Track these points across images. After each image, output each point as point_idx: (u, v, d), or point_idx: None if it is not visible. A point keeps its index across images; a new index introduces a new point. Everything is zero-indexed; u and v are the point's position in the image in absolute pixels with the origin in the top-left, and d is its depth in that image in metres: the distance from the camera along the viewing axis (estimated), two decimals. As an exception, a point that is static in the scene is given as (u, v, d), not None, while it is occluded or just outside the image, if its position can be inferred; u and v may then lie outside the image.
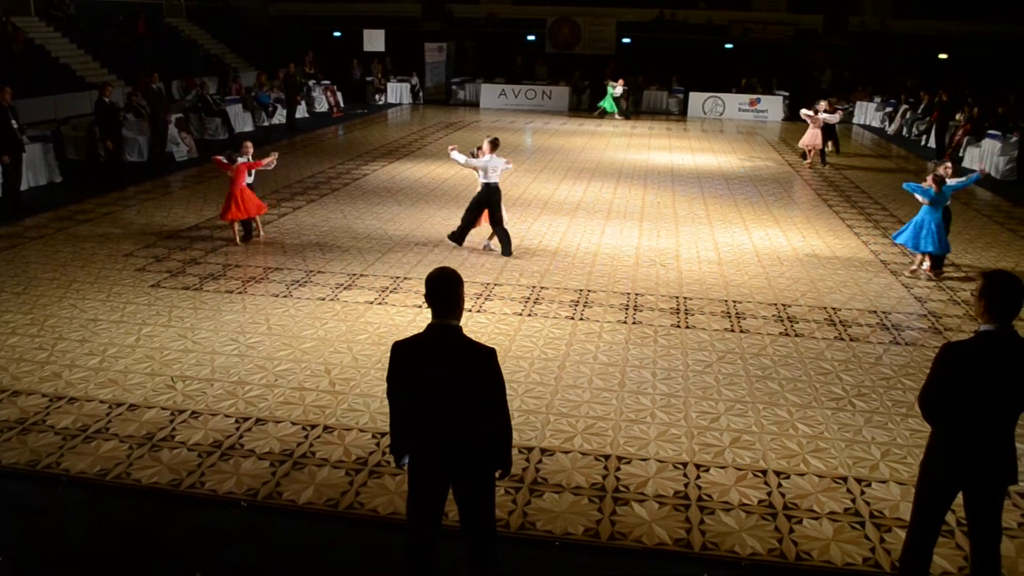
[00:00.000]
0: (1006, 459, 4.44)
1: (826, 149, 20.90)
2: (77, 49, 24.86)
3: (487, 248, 12.26)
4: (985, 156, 20.43)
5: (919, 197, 11.39)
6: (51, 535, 5.51)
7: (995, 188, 18.24)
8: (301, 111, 26.74)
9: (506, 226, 12.09)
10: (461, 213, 12.24)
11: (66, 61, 23.81)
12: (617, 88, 29.65)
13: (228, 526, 5.59)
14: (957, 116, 23.74)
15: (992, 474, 4.46)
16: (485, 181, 11.75)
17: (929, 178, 11.37)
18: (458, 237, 12.30)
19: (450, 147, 12.27)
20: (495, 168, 11.72)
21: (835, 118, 20.85)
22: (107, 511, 5.74)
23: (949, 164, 12.45)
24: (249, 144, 12.76)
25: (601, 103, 30.08)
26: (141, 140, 18.91)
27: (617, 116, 29.77)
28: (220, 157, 12.43)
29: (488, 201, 11.81)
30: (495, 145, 11.78)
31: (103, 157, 16.54)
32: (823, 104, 20.85)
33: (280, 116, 26.13)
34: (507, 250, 12.00)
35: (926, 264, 11.48)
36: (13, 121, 13.73)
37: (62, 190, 15.86)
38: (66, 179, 16.62)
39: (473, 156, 11.89)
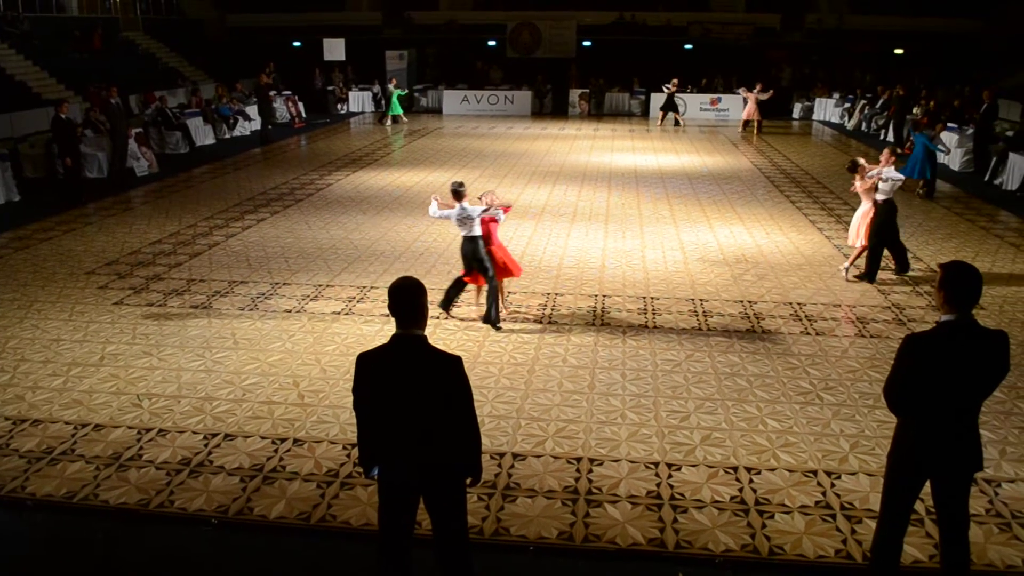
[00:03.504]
0: (971, 447, 4.50)
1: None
2: (33, 66, 24.50)
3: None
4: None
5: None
6: (18, 560, 5.42)
7: (953, 180, 18.52)
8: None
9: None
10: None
11: (22, 78, 23.46)
12: (395, 88, 28.89)
13: (199, 544, 5.52)
14: (914, 110, 24.09)
15: (958, 462, 4.51)
16: (886, 198, 10.88)
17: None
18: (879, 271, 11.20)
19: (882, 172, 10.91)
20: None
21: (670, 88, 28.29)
22: (75, 533, 5.65)
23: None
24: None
25: (391, 111, 28.93)
26: (100, 156, 18.68)
27: (403, 119, 29.13)
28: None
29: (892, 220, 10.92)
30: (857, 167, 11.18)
31: (62, 174, 16.32)
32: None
33: (241, 128, 25.92)
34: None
35: None
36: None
37: (21, 209, 15.61)
38: (25, 198, 16.37)
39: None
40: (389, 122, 28.83)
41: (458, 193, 9.12)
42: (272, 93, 27.72)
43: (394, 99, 28.55)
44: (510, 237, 13.31)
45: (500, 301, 9.56)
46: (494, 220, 9.54)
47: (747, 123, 27.07)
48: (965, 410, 4.48)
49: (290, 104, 29.56)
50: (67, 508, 5.88)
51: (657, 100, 31.92)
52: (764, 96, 26.48)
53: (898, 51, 32.45)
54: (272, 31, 35.14)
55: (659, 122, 29.27)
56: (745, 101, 27.23)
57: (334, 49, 31.32)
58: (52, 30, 27.05)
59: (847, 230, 13.79)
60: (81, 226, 14.18)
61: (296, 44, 34.29)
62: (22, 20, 25.78)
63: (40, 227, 13.99)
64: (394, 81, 29.38)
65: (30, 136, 19.42)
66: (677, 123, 28.92)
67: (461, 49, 35.66)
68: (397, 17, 35.85)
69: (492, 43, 35.05)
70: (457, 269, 11.51)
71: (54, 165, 16.89)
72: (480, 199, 9.56)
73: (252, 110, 26.44)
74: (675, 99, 28.79)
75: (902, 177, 11.07)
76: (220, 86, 27.28)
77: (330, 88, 32.92)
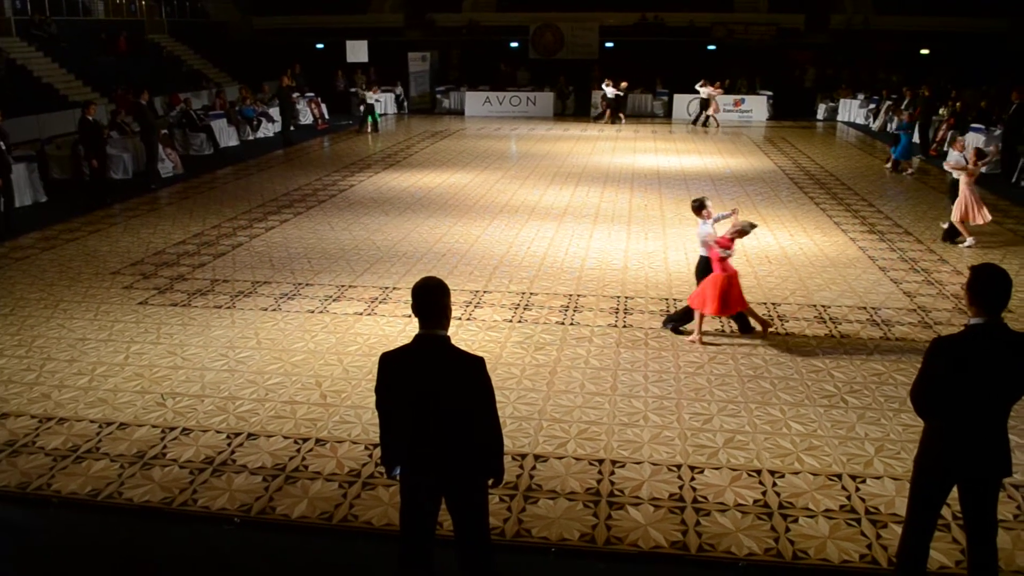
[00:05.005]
0: (999, 451, 4.43)
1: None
2: (59, 68, 24.80)
3: None
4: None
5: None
6: (43, 558, 5.46)
7: (980, 181, 18.24)
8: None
9: None
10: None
11: (49, 80, 23.75)
12: (371, 96, 27.79)
13: (221, 543, 5.54)
14: (940, 111, 23.85)
15: (986, 467, 4.45)
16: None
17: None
18: None
19: None
20: None
21: (611, 91, 29.64)
22: (99, 531, 5.69)
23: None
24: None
25: (370, 117, 27.60)
26: (126, 157, 18.87)
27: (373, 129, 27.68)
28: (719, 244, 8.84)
29: None
30: None
31: (88, 175, 16.48)
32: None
33: (265, 130, 26.08)
34: None
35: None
36: (1, 143, 13.60)
37: (47, 210, 15.78)
38: (51, 199, 16.55)
39: None
40: (370, 130, 27.62)
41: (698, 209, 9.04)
42: (295, 95, 27.80)
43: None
44: (532, 238, 13.31)
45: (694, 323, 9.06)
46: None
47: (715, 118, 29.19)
48: (994, 414, 4.41)
49: (313, 106, 29.70)
50: (91, 506, 5.92)
51: (681, 101, 31.90)
52: (707, 91, 28.46)
53: (924, 51, 32.15)
54: (295, 33, 35.35)
55: (604, 120, 30.23)
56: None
57: (357, 51, 31.47)
58: (78, 33, 27.37)
59: (872, 232, 13.72)
60: (106, 227, 14.31)
61: (319, 46, 34.47)
62: (49, 23, 26.09)
63: (66, 227, 14.13)
64: (375, 91, 28.70)
65: (56, 137, 19.66)
66: (619, 120, 30.10)
67: (483, 51, 35.69)
68: (419, 19, 35.95)
69: (514, 45, 35.06)
70: (483, 275, 11.53)
71: (80, 166, 17.05)
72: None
73: (275, 111, 26.58)
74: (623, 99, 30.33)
75: (963, 161, 13.58)
76: (244, 88, 27.47)
77: (352, 90, 33.03)
